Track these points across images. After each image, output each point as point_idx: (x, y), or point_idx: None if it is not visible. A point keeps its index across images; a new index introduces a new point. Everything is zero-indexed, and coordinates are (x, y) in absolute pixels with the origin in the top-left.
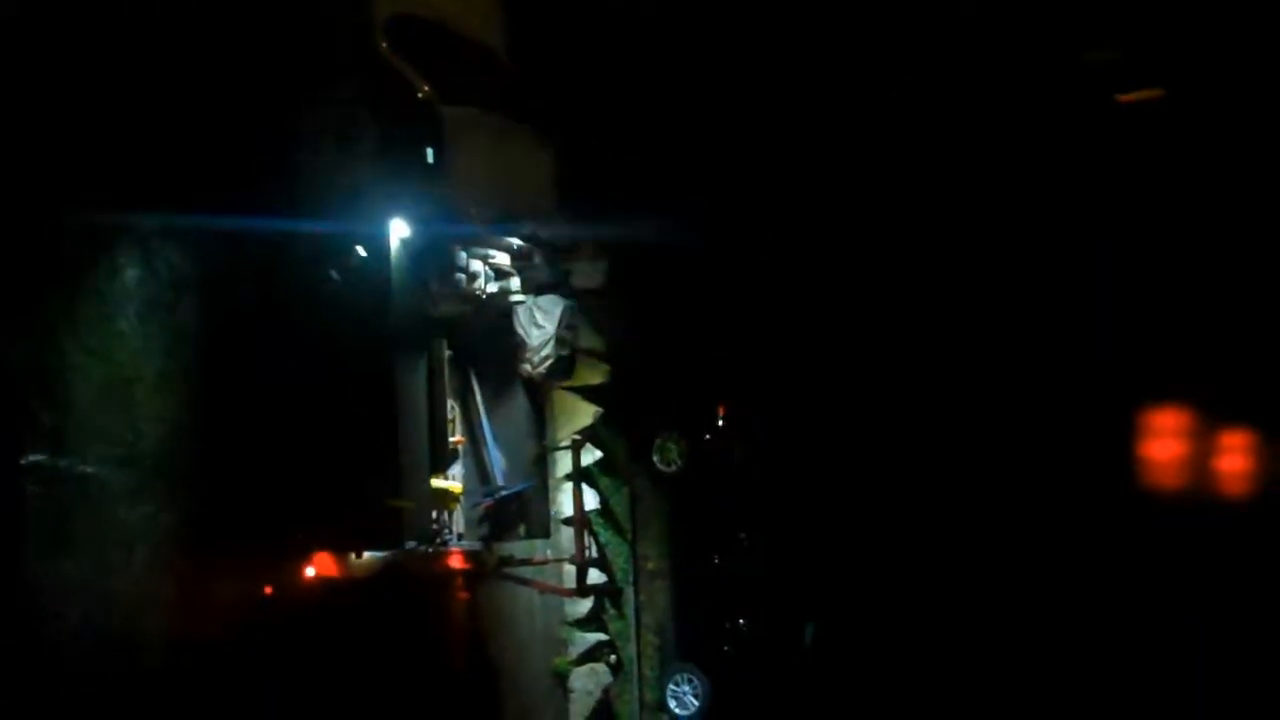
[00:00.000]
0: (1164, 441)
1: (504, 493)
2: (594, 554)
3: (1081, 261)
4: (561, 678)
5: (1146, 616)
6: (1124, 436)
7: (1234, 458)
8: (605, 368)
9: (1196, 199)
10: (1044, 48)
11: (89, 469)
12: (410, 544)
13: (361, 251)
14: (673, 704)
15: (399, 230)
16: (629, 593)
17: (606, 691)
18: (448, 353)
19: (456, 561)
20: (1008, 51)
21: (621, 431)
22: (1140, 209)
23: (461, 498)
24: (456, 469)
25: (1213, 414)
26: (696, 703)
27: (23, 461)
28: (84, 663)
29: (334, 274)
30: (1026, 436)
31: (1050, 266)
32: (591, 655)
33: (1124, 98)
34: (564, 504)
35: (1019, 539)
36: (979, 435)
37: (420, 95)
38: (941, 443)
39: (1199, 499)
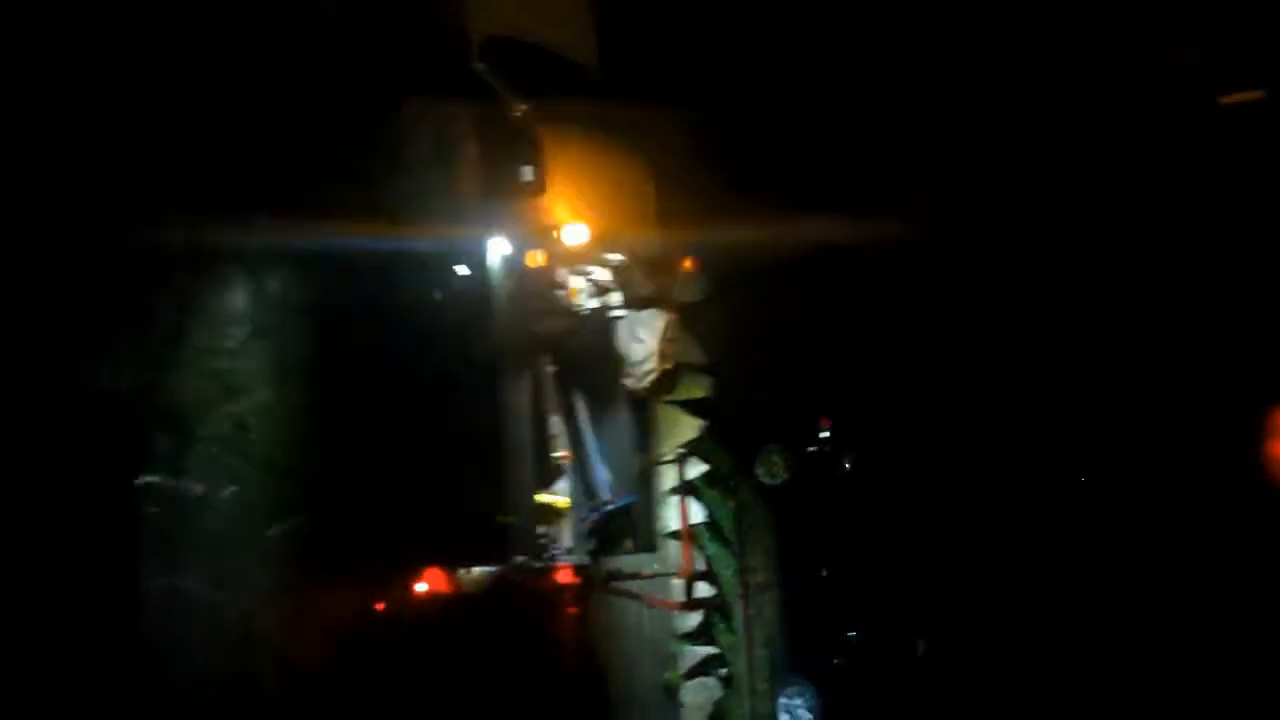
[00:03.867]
0: None
1: (609, 507)
2: (701, 567)
3: (1199, 268)
4: (672, 691)
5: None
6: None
7: None
8: (708, 381)
9: None
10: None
11: (201, 488)
12: (519, 559)
13: (463, 270)
14: (785, 717)
15: (499, 248)
16: (737, 606)
17: (718, 705)
18: (550, 369)
19: (564, 576)
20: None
21: (725, 444)
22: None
23: (568, 512)
24: (562, 484)
25: None
26: (809, 715)
27: (137, 482)
28: (196, 677)
29: (437, 293)
30: (1150, 445)
31: (1170, 274)
32: (701, 669)
33: (1225, 99)
34: (670, 518)
35: (1141, 552)
36: (1099, 444)
37: (517, 114)
38: (1059, 450)
39: None
